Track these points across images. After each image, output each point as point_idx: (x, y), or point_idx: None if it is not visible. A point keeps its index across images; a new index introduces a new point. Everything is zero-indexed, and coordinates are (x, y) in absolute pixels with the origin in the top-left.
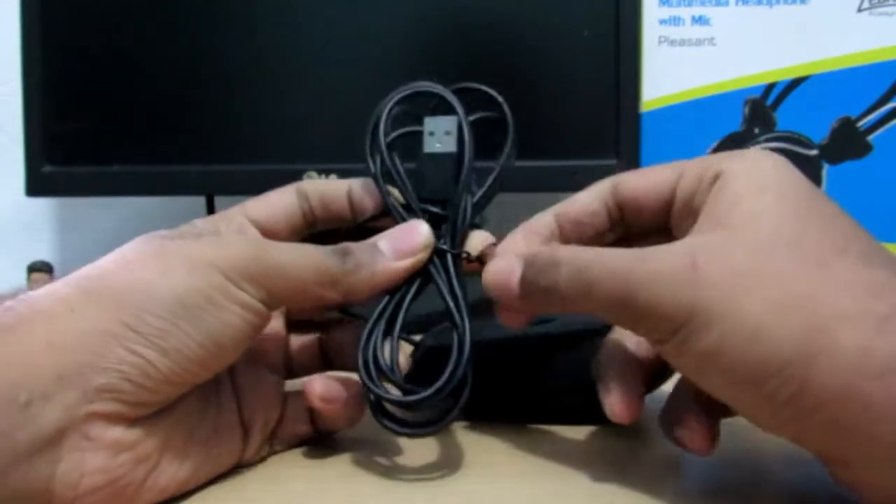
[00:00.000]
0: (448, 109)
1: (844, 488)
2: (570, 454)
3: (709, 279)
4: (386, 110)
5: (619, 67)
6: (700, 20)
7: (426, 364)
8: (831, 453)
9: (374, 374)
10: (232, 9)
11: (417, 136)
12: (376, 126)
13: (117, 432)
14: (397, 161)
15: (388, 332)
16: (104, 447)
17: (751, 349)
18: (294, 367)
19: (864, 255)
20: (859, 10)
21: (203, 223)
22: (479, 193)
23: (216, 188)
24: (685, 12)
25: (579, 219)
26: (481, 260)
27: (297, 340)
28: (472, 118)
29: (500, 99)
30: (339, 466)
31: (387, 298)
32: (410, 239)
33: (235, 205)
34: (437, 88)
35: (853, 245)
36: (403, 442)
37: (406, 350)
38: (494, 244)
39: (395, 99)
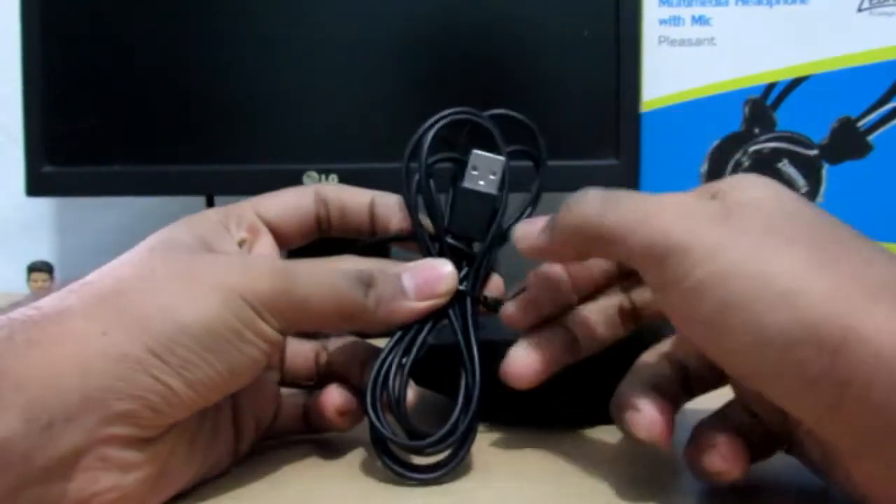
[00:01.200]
0: (492, 146)
1: (850, 495)
2: (569, 455)
3: (741, 227)
4: (431, 133)
5: (619, 67)
6: (700, 20)
7: (426, 362)
8: (854, 439)
9: (380, 411)
10: (232, 9)
11: (452, 164)
12: (418, 147)
13: (129, 454)
14: (433, 188)
15: (399, 367)
16: (116, 467)
17: (781, 305)
18: (289, 372)
19: (873, 249)
20: (859, 10)
21: (214, 214)
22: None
23: (216, 188)
24: (685, 12)
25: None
26: (496, 306)
27: (295, 346)
28: (508, 149)
29: (537, 132)
30: (333, 467)
31: (400, 333)
32: (435, 281)
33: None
34: (485, 121)
35: (862, 241)
36: None
37: (414, 386)
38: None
39: (439, 123)
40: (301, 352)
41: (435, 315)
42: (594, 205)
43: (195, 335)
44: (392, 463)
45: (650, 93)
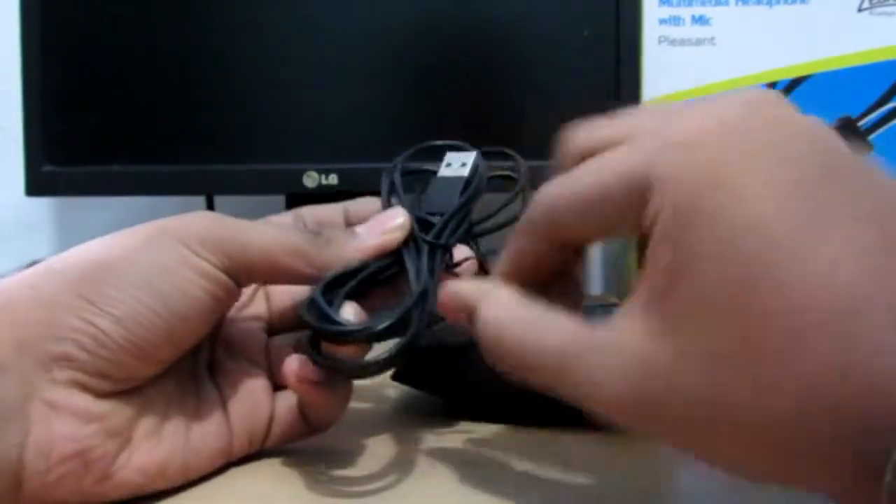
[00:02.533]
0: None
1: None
2: (556, 457)
3: None
4: (397, 172)
5: (619, 67)
6: (700, 20)
7: (417, 363)
8: None
9: (326, 313)
10: (232, 9)
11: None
12: (395, 167)
13: (82, 400)
14: (399, 180)
15: (339, 286)
16: (71, 414)
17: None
18: (276, 370)
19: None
20: (859, 9)
21: None
22: (479, 222)
23: (216, 188)
24: (685, 12)
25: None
26: (454, 266)
27: (282, 347)
28: (490, 174)
29: (513, 153)
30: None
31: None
32: (386, 219)
33: (235, 206)
34: (459, 143)
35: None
36: (387, 447)
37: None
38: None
39: (416, 147)
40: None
41: (393, 258)
42: None
43: (120, 273)
44: (326, 361)
45: (650, 93)
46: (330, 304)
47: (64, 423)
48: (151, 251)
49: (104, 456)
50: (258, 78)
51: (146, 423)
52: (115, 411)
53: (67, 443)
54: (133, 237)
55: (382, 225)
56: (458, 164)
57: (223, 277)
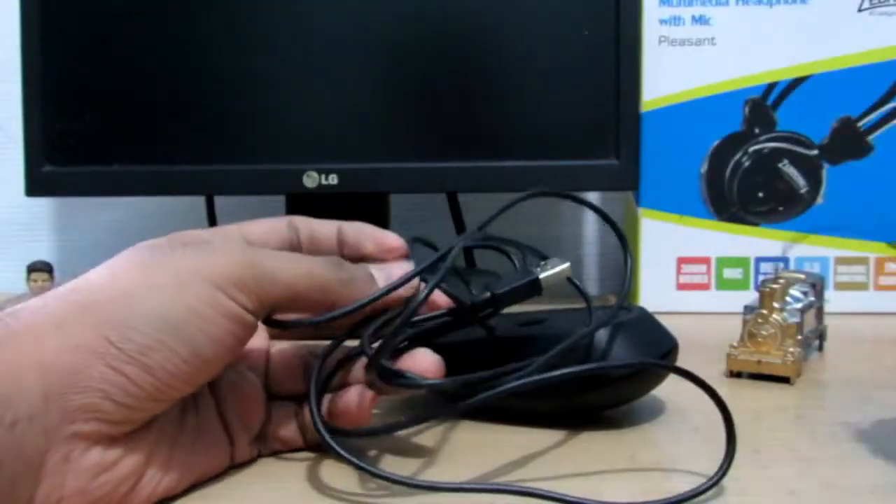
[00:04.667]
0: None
1: None
2: (546, 454)
3: None
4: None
5: (619, 67)
6: (700, 20)
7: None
8: None
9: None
10: (232, 9)
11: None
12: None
13: (97, 454)
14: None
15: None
16: (84, 469)
17: None
18: (276, 381)
19: None
20: (859, 10)
21: (203, 233)
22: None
23: (216, 188)
24: (685, 12)
25: None
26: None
27: (281, 355)
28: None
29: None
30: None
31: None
32: (398, 271)
33: (235, 206)
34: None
35: None
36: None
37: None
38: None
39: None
40: (288, 360)
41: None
42: None
43: (149, 318)
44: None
45: (650, 93)
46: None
47: (77, 478)
48: (183, 295)
49: (113, 499)
50: (258, 78)
51: (158, 458)
52: (127, 455)
53: (77, 496)
54: (164, 276)
55: (391, 274)
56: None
57: (250, 318)
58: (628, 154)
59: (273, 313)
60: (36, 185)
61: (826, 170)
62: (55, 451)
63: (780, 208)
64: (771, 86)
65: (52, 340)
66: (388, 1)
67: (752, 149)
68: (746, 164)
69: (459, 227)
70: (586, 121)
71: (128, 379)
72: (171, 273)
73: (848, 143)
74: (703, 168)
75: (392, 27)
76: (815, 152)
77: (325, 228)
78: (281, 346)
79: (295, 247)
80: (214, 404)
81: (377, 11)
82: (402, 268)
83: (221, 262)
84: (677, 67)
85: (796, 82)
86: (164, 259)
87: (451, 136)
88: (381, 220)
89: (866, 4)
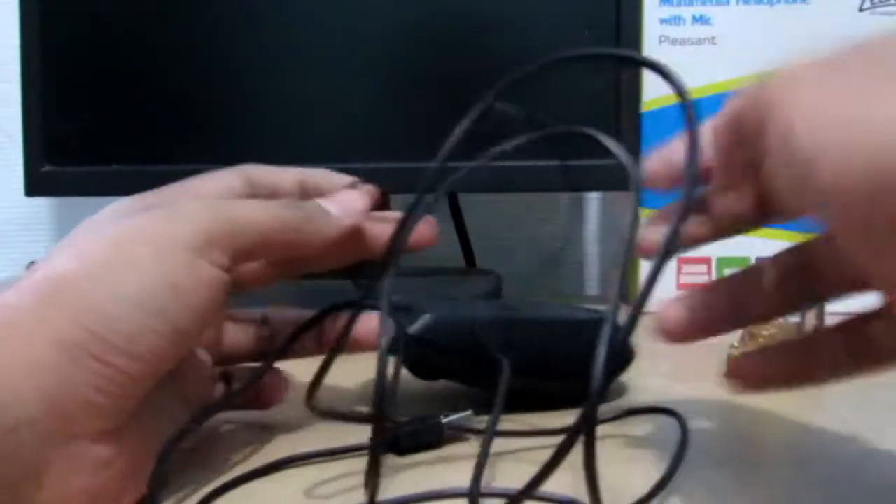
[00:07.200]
0: None
1: None
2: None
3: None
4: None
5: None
6: (701, 19)
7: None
8: None
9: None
10: (232, 9)
11: None
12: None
13: (98, 450)
14: None
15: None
16: (88, 467)
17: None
18: (227, 351)
19: None
20: (860, 9)
21: (159, 193)
22: None
23: None
24: (686, 11)
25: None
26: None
27: (232, 325)
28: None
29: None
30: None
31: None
32: (351, 200)
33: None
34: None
35: None
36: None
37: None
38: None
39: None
40: (240, 330)
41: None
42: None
43: (131, 303)
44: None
45: (650, 93)
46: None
47: (80, 477)
48: (162, 268)
49: (114, 491)
50: (258, 78)
51: (150, 447)
52: (123, 450)
53: (81, 495)
54: (138, 249)
55: (347, 206)
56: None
57: (226, 278)
58: (628, 154)
59: (247, 262)
60: (36, 185)
61: None
62: (57, 453)
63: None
64: None
65: (38, 338)
66: (387, 3)
67: None
68: None
69: (459, 227)
70: (586, 121)
71: (117, 369)
72: (146, 245)
73: None
74: None
75: (391, 27)
76: None
77: (285, 176)
78: (231, 321)
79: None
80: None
81: (377, 13)
82: (353, 195)
83: (196, 223)
84: (677, 67)
85: None
86: (134, 230)
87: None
88: None
89: (867, 4)
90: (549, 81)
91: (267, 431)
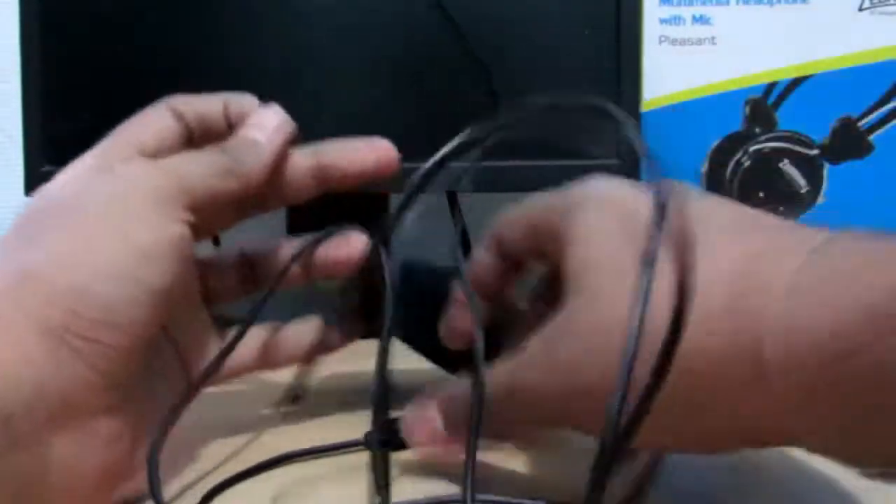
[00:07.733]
0: None
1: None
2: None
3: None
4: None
5: (619, 67)
6: (701, 19)
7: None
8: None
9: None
10: (232, 9)
11: None
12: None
13: (105, 425)
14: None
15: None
16: (99, 443)
17: None
18: (215, 290)
19: None
20: (860, 9)
21: (91, 159)
22: None
23: None
24: (686, 11)
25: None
26: None
27: (216, 262)
28: None
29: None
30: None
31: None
32: (270, 120)
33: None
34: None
35: None
36: None
37: None
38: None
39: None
40: (223, 267)
41: None
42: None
43: (107, 278)
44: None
45: (650, 93)
46: None
47: (93, 453)
48: (125, 236)
49: (125, 461)
50: (258, 79)
51: (151, 415)
52: (129, 422)
53: (95, 473)
54: (95, 219)
55: (272, 123)
56: None
57: (188, 232)
58: (628, 154)
59: (201, 213)
60: (36, 185)
61: (827, 169)
62: (60, 436)
63: (781, 208)
64: (771, 85)
65: (19, 326)
66: (386, 3)
67: (752, 149)
68: (747, 163)
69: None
70: (586, 121)
71: (102, 343)
72: (102, 218)
73: (849, 142)
74: (704, 168)
75: (391, 27)
76: (816, 152)
77: (210, 105)
78: (214, 259)
79: (183, 135)
80: (169, 344)
81: (376, 13)
82: (267, 113)
83: (147, 186)
84: (677, 67)
85: (797, 82)
86: (86, 205)
87: (451, 136)
88: None
89: (867, 4)
90: (550, 80)
91: (260, 427)
